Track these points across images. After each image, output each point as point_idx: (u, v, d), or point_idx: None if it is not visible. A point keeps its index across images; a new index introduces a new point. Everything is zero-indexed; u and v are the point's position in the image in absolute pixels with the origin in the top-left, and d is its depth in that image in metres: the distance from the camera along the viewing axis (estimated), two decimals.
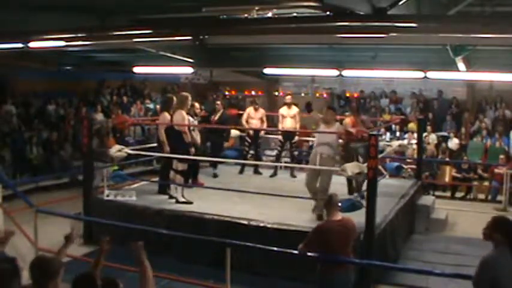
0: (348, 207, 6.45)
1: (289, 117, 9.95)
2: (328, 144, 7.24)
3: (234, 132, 11.06)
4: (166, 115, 8.24)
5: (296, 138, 10.42)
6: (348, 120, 8.57)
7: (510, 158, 12.14)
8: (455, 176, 12.33)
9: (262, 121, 10.34)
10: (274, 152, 10.76)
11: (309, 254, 5.00)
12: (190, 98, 8.23)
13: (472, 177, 12.19)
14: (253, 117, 10.29)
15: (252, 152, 10.42)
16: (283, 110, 10.08)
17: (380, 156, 7.76)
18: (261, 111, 10.41)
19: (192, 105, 9.08)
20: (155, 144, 9.05)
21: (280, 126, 10.14)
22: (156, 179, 9.36)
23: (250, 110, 10.42)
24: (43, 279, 2.99)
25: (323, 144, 7.26)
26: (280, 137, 10.40)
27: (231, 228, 6.81)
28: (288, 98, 10.27)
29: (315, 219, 6.89)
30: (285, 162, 10.53)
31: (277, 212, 7.34)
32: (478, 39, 8.29)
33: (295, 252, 5.12)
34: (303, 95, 17.03)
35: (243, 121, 10.45)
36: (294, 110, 10.09)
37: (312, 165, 7.32)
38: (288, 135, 10.04)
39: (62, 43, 8.62)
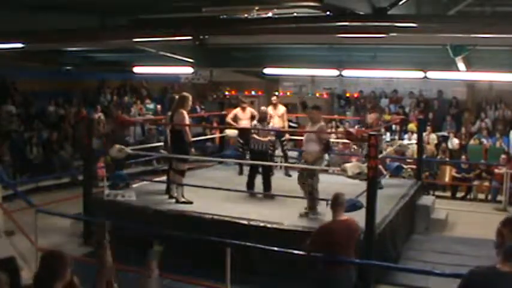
0: (349, 207, 6.44)
1: (276, 116, 9.89)
2: (313, 143, 7.29)
3: (233, 132, 11.02)
4: (186, 114, 7.96)
5: (287, 136, 10.31)
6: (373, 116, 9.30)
7: (510, 158, 12.13)
8: (455, 176, 12.34)
9: (252, 121, 10.03)
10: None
11: (311, 254, 5.01)
12: (190, 98, 8.19)
13: (472, 177, 12.20)
14: (242, 118, 10.10)
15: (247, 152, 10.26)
16: (269, 110, 9.82)
17: (380, 156, 7.76)
18: (249, 111, 10.22)
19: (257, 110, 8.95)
20: (159, 144, 8.92)
21: (270, 125, 10.02)
22: (156, 178, 9.37)
23: (237, 110, 10.23)
24: (61, 270, 3.04)
25: (309, 142, 7.33)
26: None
27: (231, 228, 6.81)
28: (274, 99, 10.25)
29: (316, 220, 6.91)
30: (280, 162, 10.48)
31: (277, 212, 7.34)
32: (478, 39, 8.30)
33: (295, 252, 5.12)
34: None
35: (228, 120, 10.30)
36: (281, 109, 10.07)
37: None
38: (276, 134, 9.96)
39: (61, 43, 8.63)
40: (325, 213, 6.16)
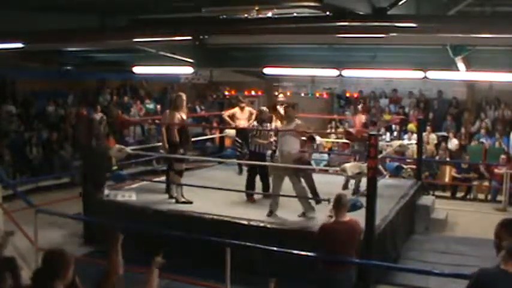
0: (349, 207, 6.45)
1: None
2: (294, 140, 7.26)
3: (230, 132, 11.01)
4: (177, 115, 8.05)
5: None
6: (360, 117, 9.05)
7: (510, 159, 12.14)
8: (455, 176, 12.34)
9: (249, 120, 9.98)
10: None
11: (310, 254, 5.02)
12: (184, 97, 8.18)
13: (472, 177, 12.20)
14: (240, 117, 10.02)
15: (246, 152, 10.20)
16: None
17: (380, 156, 7.75)
18: (248, 110, 10.13)
19: (261, 111, 8.64)
20: (159, 144, 8.91)
21: (273, 125, 10.01)
22: (156, 179, 9.36)
23: (236, 110, 10.18)
24: (63, 269, 3.07)
25: (288, 141, 7.28)
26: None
27: (231, 228, 6.81)
28: (281, 97, 10.14)
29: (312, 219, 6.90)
30: None
31: (278, 212, 7.33)
32: (478, 39, 8.29)
33: (295, 252, 5.13)
34: (302, 95, 17.04)
35: (225, 117, 10.25)
36: None
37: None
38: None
39: (61, 43, 8.63)
40: (324, 212, 6.16)
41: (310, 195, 7.20)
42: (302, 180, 7.17)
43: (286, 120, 7.56)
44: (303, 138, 7.61)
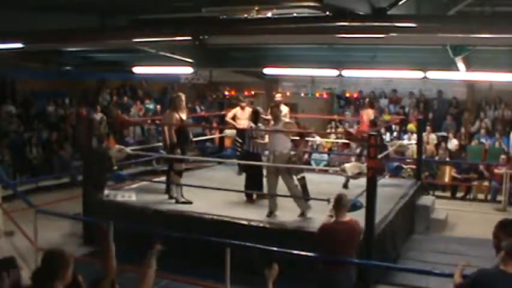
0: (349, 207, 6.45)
1: None
2: (285, 139, 7.26)
3: (231, 132, 11.01)
4: (175, 115, 8.04)
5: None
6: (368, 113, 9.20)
7: (510, 159, 12.14)
8: (455, 176, 12.34)
9: (250, 120, 10.10)
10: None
11: (310, 254, 5.02)
12: (183, 97, 8.18)
13: (472, 177, 12.20)
14: (240, 117, 10.02)
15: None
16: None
17: (380, 156, 7.76)
18: (248, 111, 9.97)
19: (256, 112, 8.56)
20: (159, 144, 8.91)
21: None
22: (156, 179, 9.36)
23: (237, 110, 10.19)
24: (62, 270, 3.07)
25: (279, 141, 7.26)
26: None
27: (231, 228, 6.81)
28: (278, 96, 10.14)
29: (310, 220, 6.90)
30: None
31: (277, 212, 7.33)
32: (478, 39, 8.30)
33: (295, 252, 5.12)
34: (302, 95, 17.04)
35: (228, 119, 10.24)
36: (284, 109, 9.85)
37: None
38: None
39: (61, 43, 8.64)
40: (323, 212, 6.17)
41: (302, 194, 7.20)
42: (294, 178, 7.18)
43: (273, 120, 7.57)
44: (294, 137, 7.62)
